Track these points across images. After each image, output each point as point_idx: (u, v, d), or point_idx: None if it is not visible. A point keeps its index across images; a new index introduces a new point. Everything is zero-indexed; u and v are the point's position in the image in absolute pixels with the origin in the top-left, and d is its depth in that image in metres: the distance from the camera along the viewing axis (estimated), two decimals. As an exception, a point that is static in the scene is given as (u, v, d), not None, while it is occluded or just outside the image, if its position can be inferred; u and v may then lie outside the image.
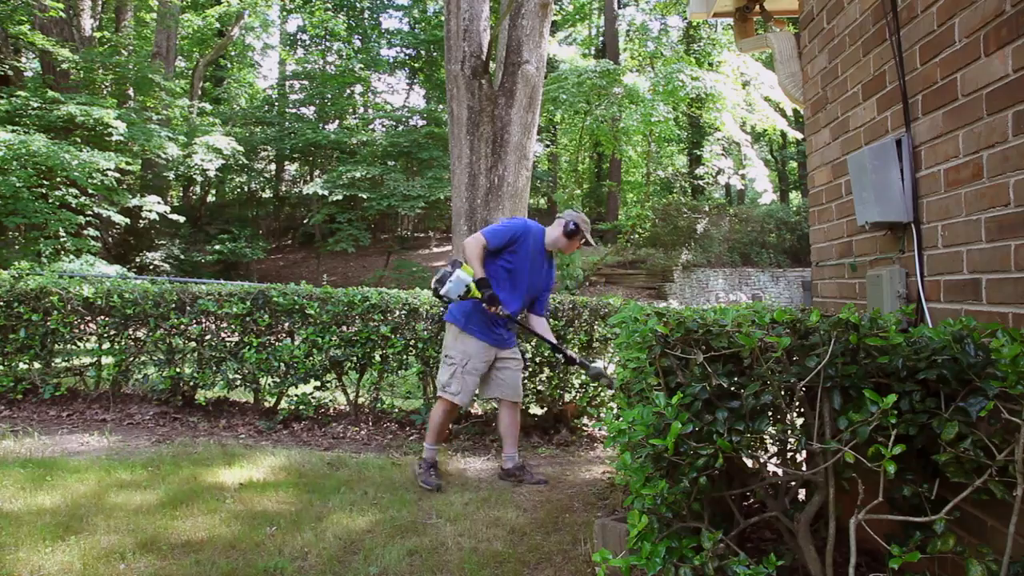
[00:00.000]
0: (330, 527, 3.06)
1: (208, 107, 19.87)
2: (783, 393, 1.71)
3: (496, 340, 3.85)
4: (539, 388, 4.90)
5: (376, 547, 2.84)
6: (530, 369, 4.79)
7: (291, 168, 26.06)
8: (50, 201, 12.42)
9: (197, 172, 16.96)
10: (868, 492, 1.62)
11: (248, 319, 5.00)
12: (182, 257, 17.24)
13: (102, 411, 5.20)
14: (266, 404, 5.34)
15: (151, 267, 16.12)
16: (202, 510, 3.22)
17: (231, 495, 3.45)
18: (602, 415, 4.86)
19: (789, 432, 1.84)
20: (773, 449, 2.09)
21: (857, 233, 2.57)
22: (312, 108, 23.44)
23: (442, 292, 3.66)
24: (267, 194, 25.06)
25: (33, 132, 12.18)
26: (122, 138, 13.75)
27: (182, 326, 5.06)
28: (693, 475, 1.70)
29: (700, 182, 22.65)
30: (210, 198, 24.05)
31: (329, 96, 22.68)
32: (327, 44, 25.35)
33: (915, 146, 2.16)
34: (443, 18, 9.25)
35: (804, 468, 2.13)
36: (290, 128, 21.09)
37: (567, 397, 4.96)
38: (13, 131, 11.79)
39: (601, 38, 26.25)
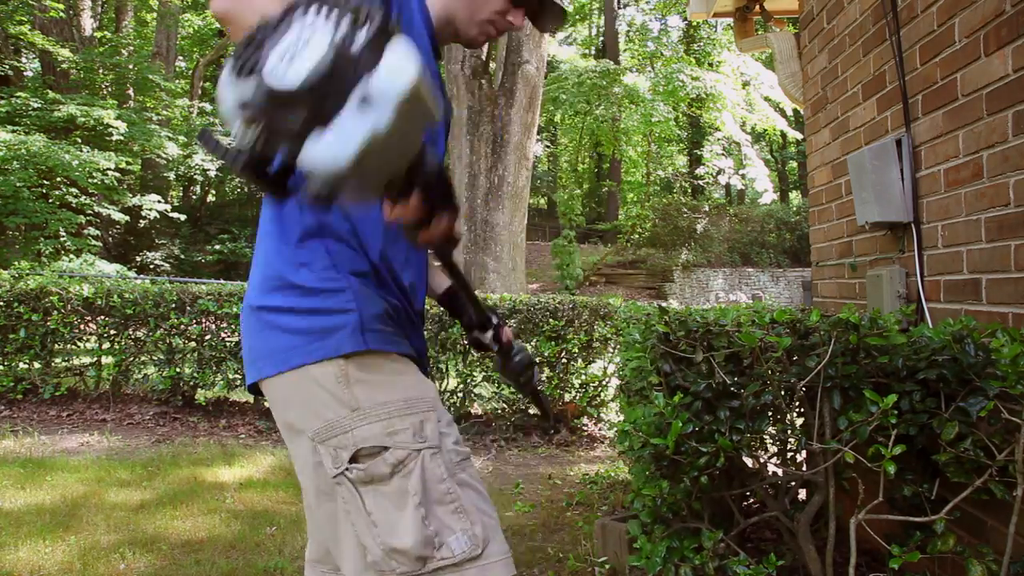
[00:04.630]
0: (330, 527, 3.05)
1: (208, 107, 19.86)
2: (783, 393, 1.71)
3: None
4: (538, 388, 4.88)
5: (376, 547, 2.83)
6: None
7: (291, 168, 26.01)
8: (50, 201, 12.43)
9: (197, 172, 16.97)
10: (868, 492, 1.62)
11: (248, 319, 4.99)
12: (182, 257, 17.24)
13: (102, 411, 5.20)
14: (266, 404, 5.33)
15: (151, 267, 16.12)
16: (202, 510, 3.22)
17: (231, 495, 3.46)
18: (602, 415, 4.87)
19: (789, 432, 1.84)
20: (773, 449, 2.09)
21: (857, 233, 2.57)
22: (312, 108, 23.42)
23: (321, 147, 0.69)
24: (267, 194, 25.02)
25: (33, 132, 12.19)
26: (122, 138, 13.76)
27: (182, 326, 5.06)
28: (694, 474, 1.69)
29: (700, 182, 22.66)
30: (210, 198, 24.03)
31: (329, 96, 22.66)
32: (327, 44, 25.35)
33: (915, 146, 2.16)
34: (443, 18, 9.24)
35: (804, 468, 2.13)
36: (290, 128, 21.07)
37: (567, 397, 4.96)
38: (13, 131, 11.79)
39: (601, 38, 26.27)
